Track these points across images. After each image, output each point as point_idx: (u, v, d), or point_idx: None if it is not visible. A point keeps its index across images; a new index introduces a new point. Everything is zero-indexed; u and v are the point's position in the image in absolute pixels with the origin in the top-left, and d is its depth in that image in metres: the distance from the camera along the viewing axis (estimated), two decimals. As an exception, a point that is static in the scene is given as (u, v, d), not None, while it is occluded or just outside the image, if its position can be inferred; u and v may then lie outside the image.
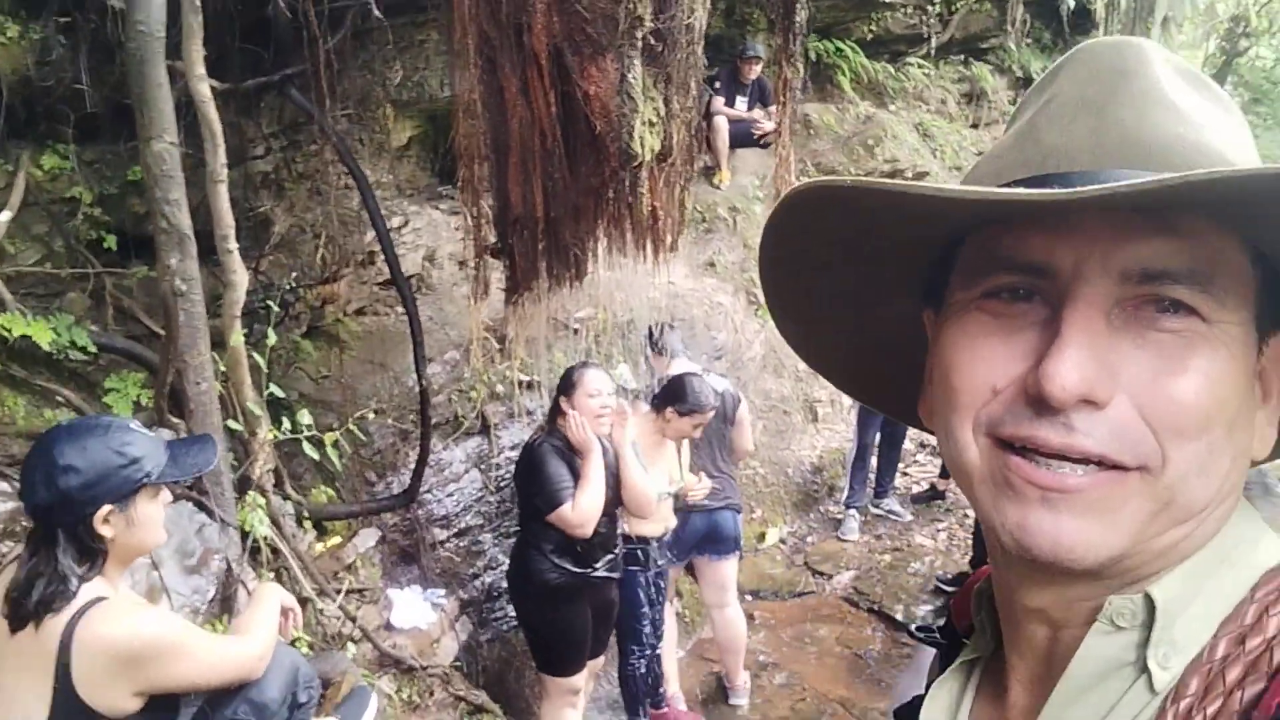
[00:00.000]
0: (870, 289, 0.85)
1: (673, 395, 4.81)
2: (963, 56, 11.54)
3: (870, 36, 10.50)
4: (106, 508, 2.30)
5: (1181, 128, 0.69)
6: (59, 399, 4.14)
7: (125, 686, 2.28)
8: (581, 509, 4.11)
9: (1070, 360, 0.64)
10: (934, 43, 10.93)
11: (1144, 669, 0.68)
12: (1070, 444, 0.66)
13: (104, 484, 2.29)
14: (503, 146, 4.59)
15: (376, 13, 4.39)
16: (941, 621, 0.96)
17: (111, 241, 4.65)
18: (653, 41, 4.56)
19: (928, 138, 10.52)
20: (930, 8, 10.59)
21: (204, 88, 3.68)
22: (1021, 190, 0.65)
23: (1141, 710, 0.68)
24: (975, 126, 11.49)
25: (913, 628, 1.06)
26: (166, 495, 2.45)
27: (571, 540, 4.20)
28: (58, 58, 4.21)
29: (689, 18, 4.69)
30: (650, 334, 6.07)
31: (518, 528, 5.41)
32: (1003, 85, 11.80)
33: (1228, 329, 0.67)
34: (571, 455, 4.23)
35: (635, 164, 4.61)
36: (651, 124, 4.67)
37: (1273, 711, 0.61)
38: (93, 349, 4.25)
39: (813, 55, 9.95)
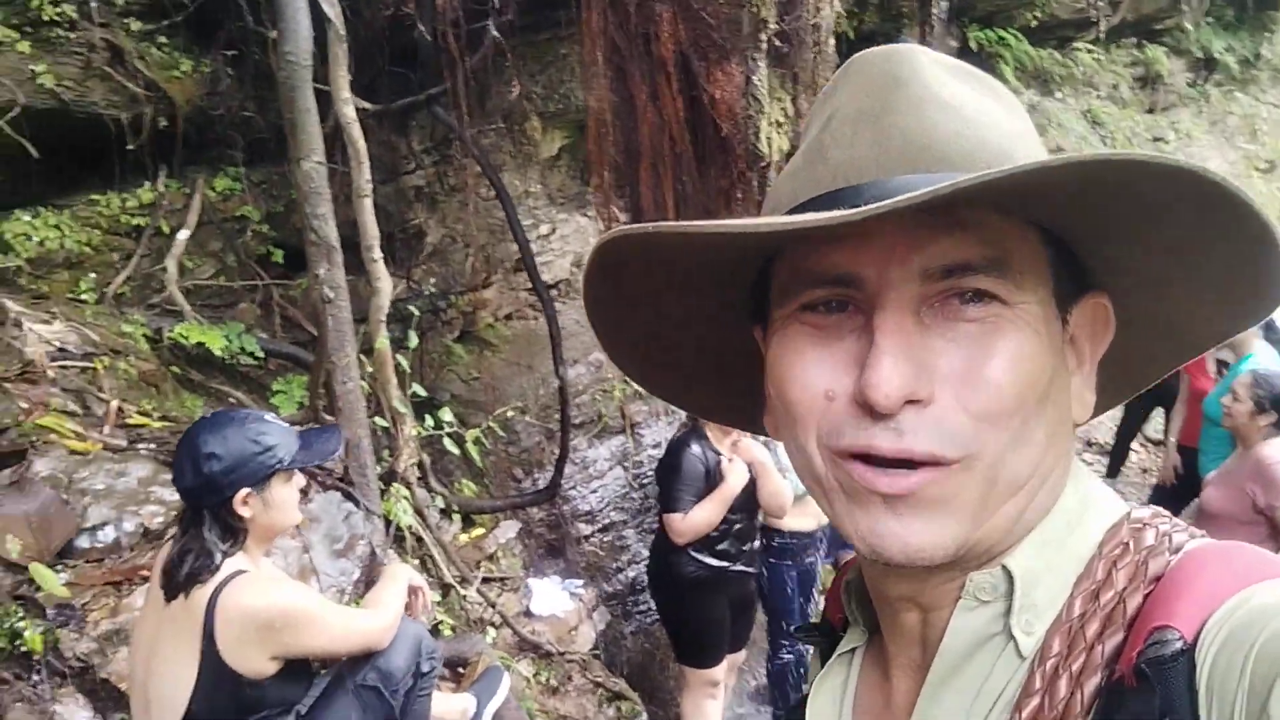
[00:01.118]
0: (698, 315, 0.87)
1: None
2: (1136, 39, 11.01)
3: (1035, 23, 10.14)
4: (245, 490, 2.55)
5: (958, 125, 0.72)
6: (232, 400, 4.53)
7: (262, 651, 2.53)
8: (691, 522, 4.16)
9: (888, 367, 0.67)
10: (1104, 26, 10.47)
11: (1010, 638, 0.71)
12: (901, 448, 0.68)
13: (242, 469, 2.55)
14: (634, 152, 4.75)
15: (510, 28, 4.59)
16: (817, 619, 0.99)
17: (278, 255, 5.04)
18: (778, 43, 4.64)
19: (1097, 125, 10.12)
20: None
21: (349, 110, 3.97)
22: (795, 218, 0.66)
23: (1012, 676, 0.70)
24: (1151, 111, 10.96)
25: (791, 628, 1.09)
26: (300, 479, 2.69)
27: (710, 535, 4.30)
28: (225, 88, 4.61)
29: (815, 17, 4.75)
30: None
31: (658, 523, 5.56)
32: (1180, 68, 11.21)
33: (1028, 308, 0.70)
34: (710, 459, 4.31)
35: (763, 165, 4.69)
36: (779, 124, 4.74)
37: (1133, 662, 0.63)
38: (260, 354, 4.62)
39: (974, 45, 9.72)
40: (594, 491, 5.72)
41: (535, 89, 6.29)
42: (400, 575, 3.00)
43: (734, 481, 4.22)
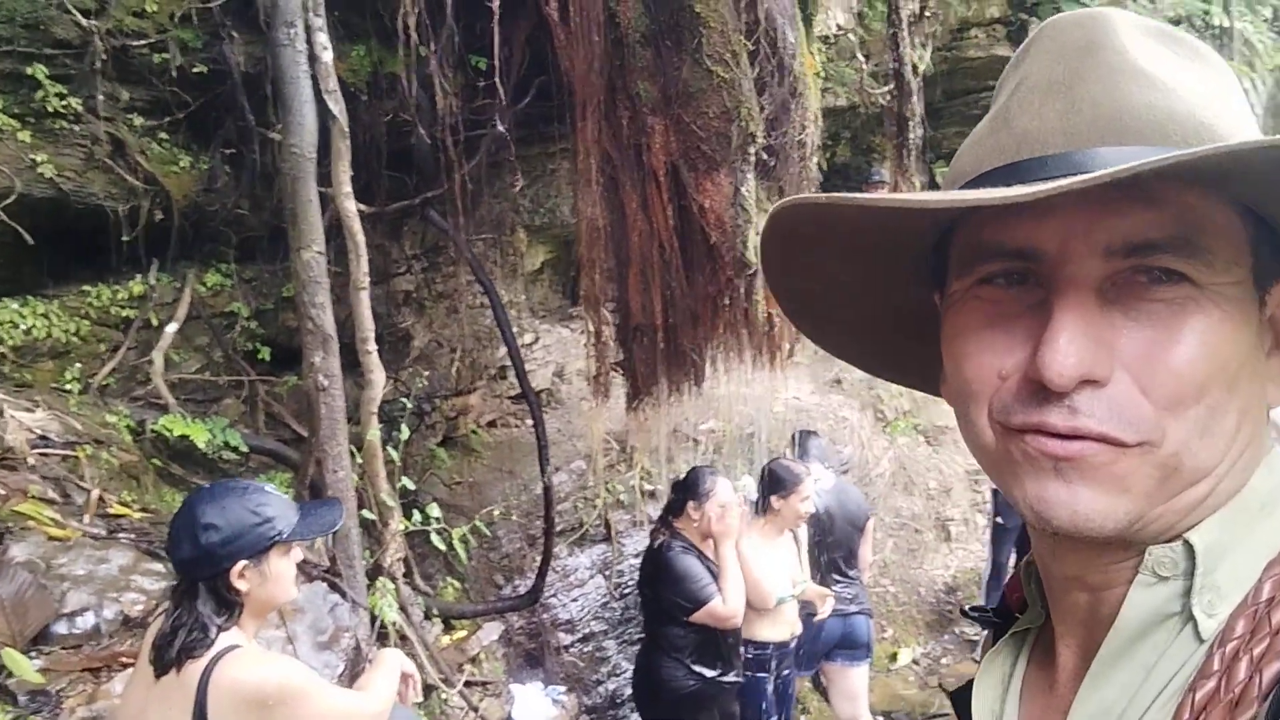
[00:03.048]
0: (880, 280, 0.86)
1: (772, 485, 4.84)
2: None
3: (998, 161, 10.56)
4: (242, 563, 2.50)
5: (1152, 95, 0.69)
6: (213, 495, 4.46)
7: (256, 729, 2.44)
8: (731, 599, 4.13)
9: (1065, 345, 0.65)
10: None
11: (1189, 618, 0.68)
12: (1075, 426, 0.67)
13: (240, 540, 2.50)
14: (624, 258, 4.84)
15: (507, 137, 4.72)
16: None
17: (265, 353, 5.04)
18: (765, 157, 4.78)
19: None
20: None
21: (350, 204, 4.04)
22: (970, 194, 0.66)
23: (1188, 659, 0.67)
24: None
25: (966, 608, 1.07)
26: (298, 553, 2.65)
27: (710, 642, 4.21)
28: (222, 185, 4.69)
29: (800, 134, 4.91)
30: (793, 439, 6.13)
31: (642, 634, 5.46)
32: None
33: (1221, 289, 0.67)
34: (701, 553, 4.28)
35: (750, 272, 4.78)
36: (766, 234, 4.85)
37: None
38: (244, 449, 4.58)
39: (940, 179, 10.07)
40: (574, 600, 5.63)
41: (523, 202, 6.43)
42: (393, 660, 2.93)
43: (729, 547, 4.19)
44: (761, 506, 4.88)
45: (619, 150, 4.73)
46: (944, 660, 7.15)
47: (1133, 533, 0.69)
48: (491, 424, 6.17)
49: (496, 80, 4.19)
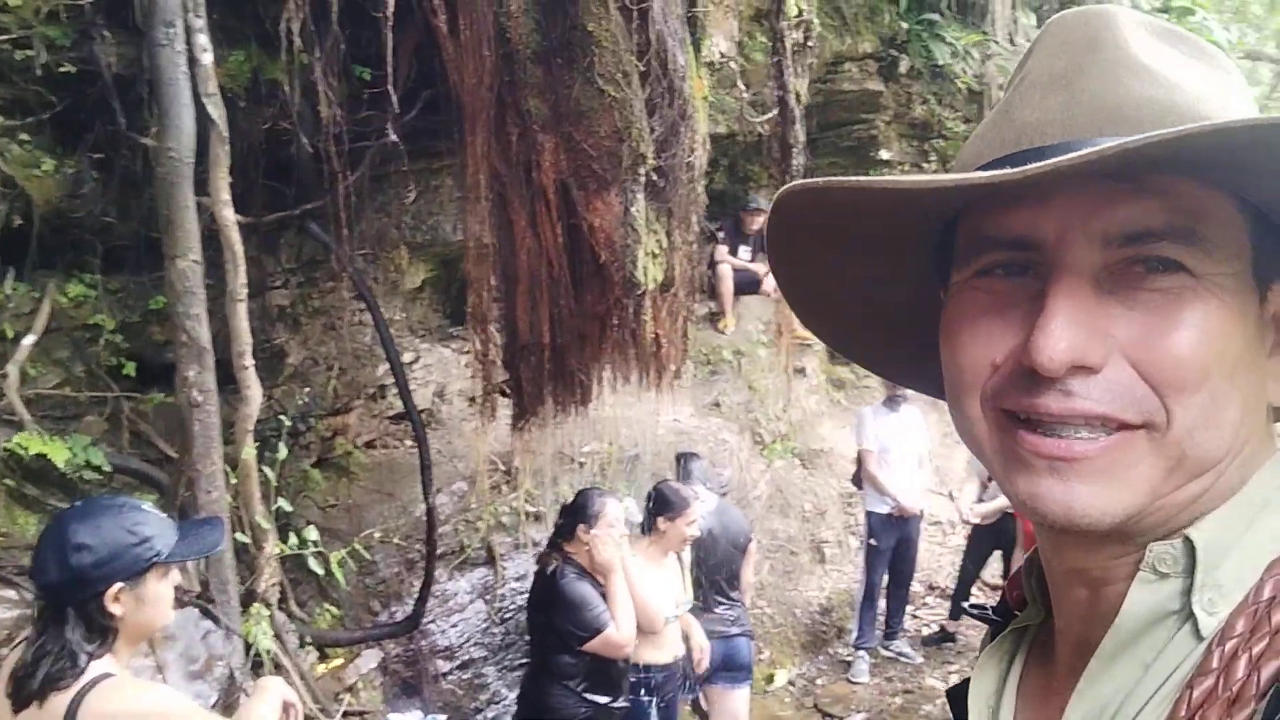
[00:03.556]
0: (885, 275, 0.87)
1: (659, 506, 4.82)
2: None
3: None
4: (117, 585, 2.34)
5: (1153, 90, 0.70)
6: (71, 518, 4.20)
7: (126, 762, 2.28)
8: (624, 627, 4.07)
9: (1056, 331, 0.66)
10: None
11: (1189, 616, 0.68)
12: (1070, 408, 0.67)
13: (116, 562, 2.34)
14: (511, 276, 4.78)
15: (397, 149, 4.61)
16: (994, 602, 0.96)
17: (130, 368, 4.79)
18: (655, 178, 4.79)
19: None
20: (927, 165, 10.99)
21: (228, 213, 3.88)
22: (958, 175, 0.67)
23: (1186, 657, 0.67)
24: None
25: (966, 605, 1.07)
26: (176, 575, 2.50)
27: (601, 669, 4.15)
28: (89, 191, 4.44)
29: (689, 156, 4.95)
30: (677, 461, 6.12)
31: (525, 660, 5.36)
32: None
33: (1218, 280, 0.67)
34: (594, 579, 4.22)
35: (639, 292, 4.78)
36: (654, 255, 4.86)
37: None
38: (107, 469, 4.33)
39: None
40: (454, 626, 5.50)
41: (405, 218, 6.31)
42: (275, 690, 2.78)
43: (619, 576, 4.14)
44: (647, 527, 4.86)
45: (508, 167, 4.68)
46: (819, 681, 7.24)
47: (1131, 525, 0.69)
48: (369, 444, 5.99)
49: (389, 88, 4.08)
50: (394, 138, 4.23)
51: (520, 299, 4.80)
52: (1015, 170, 0.64)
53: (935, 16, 10.52)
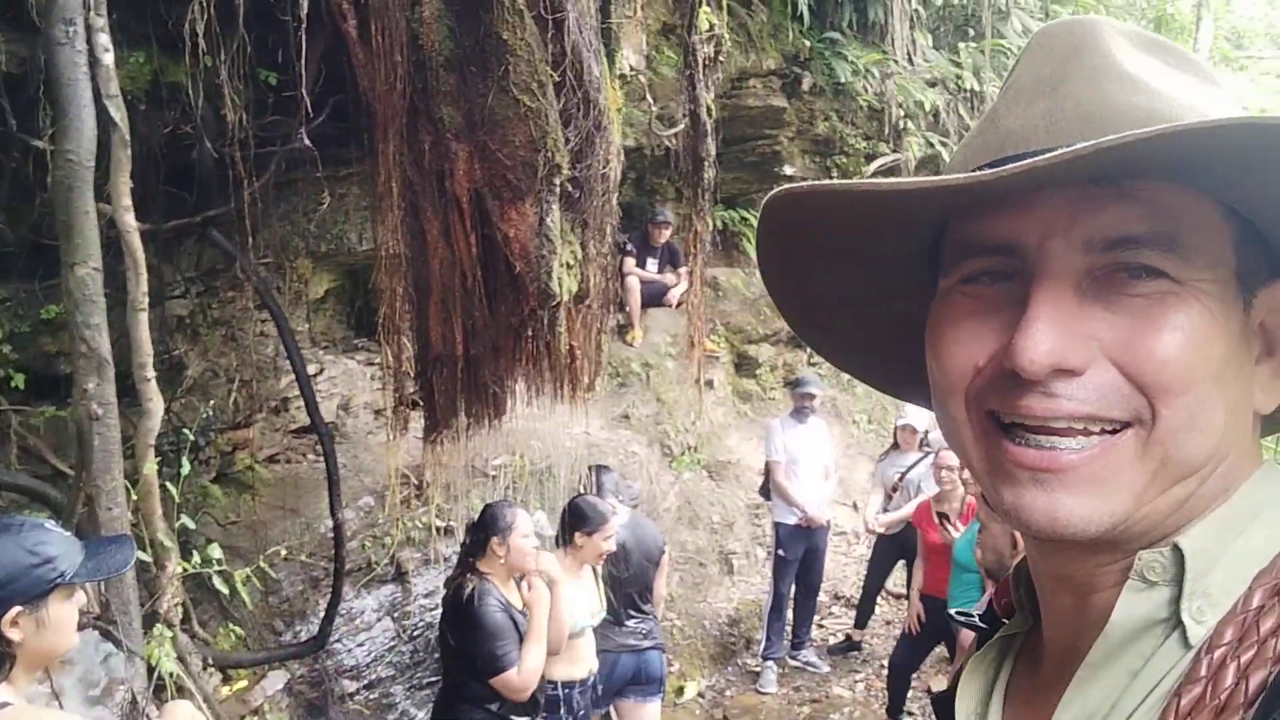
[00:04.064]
0: (880, 286, 0.87)
1: (576, 520, 4.77)
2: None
3: (774, 206, 11.00)
4: (16, 609, 2.21)
5: (1135, 97, 0.70)
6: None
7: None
8: (528, 672, 3.93)
9: (1037, 334, 0.66)
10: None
11: (1177, 624, 0.68)
12: (1053, 409, 0.67)
13: (14, 584, 2.22)
14: (423, 287, 4.70)
15: (303, 156, 4.50)
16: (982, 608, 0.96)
17: (19, 380, 4.57)
18: (570, 189, 4.76)
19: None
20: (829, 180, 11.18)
21: (129, 219, 3.73)
22: (933, 179, 0.67)
23: (1174, 666, 0.68)
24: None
25: (952, 611, 1.06)
26: (80, 597, 2.37)
27: None
28: (-25, 197, 4.23)
29: (604, 168, 4.93)
30: (590, 473, 6.07)
31: (435, 679, 5.26)
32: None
33: (1201, 286, 0.68)
34: (509, 606, 4.13)
35: (554, 304, 4.74)
36: (569, 266, 4.83)
37: None
38: (-6, 486, 4.12)
39: (719, 223, 10.39)
40: (360, 645, 5.36)
41: (309, 227, 6.16)
42: (180, 715, 2.68)
43: (542, 611, 4.06)
44: (564, 541, 4.81)
45: (421, 175, 4.61)
46: (728, 693, 7.27)
47: (1117, 533, 0.69)
48: (271, 459, 5.83)
49: (302, 92, 3.97)
50: (307, 143, 4.11)
51: (433, 310, 4.72)
52: (990, 172, 0.64)
53: (837, 35, 10.74)
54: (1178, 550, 0.69)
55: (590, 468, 6.04)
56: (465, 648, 3.97)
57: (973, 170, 0.73)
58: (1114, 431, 0.68)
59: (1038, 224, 0.69)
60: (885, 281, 0.86)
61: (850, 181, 0.71)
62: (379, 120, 4.47)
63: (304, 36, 3.90)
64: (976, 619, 0.94)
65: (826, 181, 0.72)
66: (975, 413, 0.73)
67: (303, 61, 3.92)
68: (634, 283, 8.89)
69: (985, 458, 0.73)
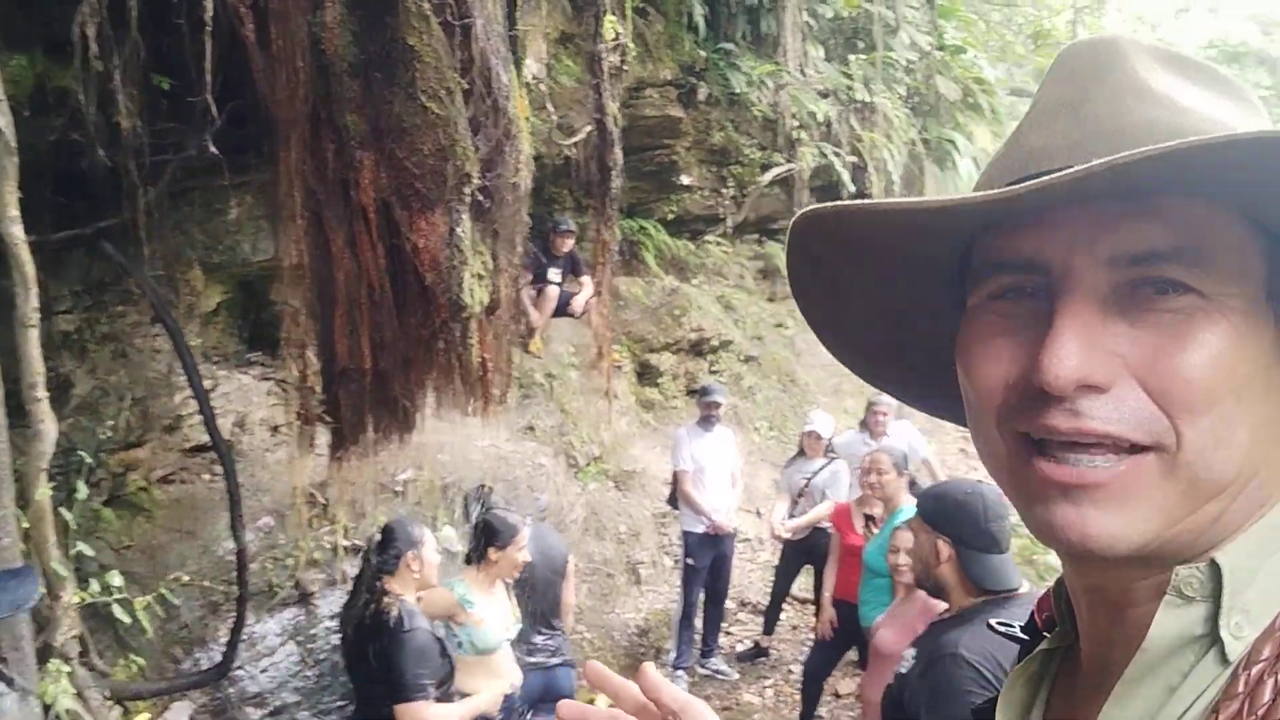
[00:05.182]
0: (907, 306, 0.87)
1: (488, 536, 4.67)
2: (757, 236, 12.30)
3: (671, 216, 11.09)
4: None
5: (1157, 112, 0.71)
6: None
7: None
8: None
9: (1063, 350, 0.66)
10: (730, 223, 11.61)
11: (1215, 640, 0.67)
12: (1079, 427, 0.67)
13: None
14: (328, 299, 4.56)
15: (199, 164, 4.33)
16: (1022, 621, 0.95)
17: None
18: (480, 198, 4.69)
19: (730, 309, 11.06)
20: (725, 191, 11.30)
21: (18, 230, 3.54)
22: (957, 196, 0.68)
23: (1211, 683, 0.67)
24: (772, 300, 12.15)
25: (993, 622, 1.06)
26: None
27: None
28: None
29: (515, 177, 4.87)
30: (468, 497, 5.97)
31: (340, 703, 5.12)
32: (794, 263, 12.58)
33: (1228, 301, 0.67)
34: (439, 639, 4.01)
35: (465, 315, 4.65)
36: (480, 277, 4.75)
37: None
38: None
39: (619, 233, 10.40)
40: (264, 671, 5.17)
41: (201, 237, 5.94)
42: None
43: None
44: (478, 557, 4.71)
45: (324, 184, 4.47)
46: (638, 703, 7.23)
47: (1150, 550, 0.69)
48: (165, 480, 5.59)
49: (208, 98, 3.82)
50: (212, 150, 3.96)
51: (339, 322, 4.58)
52: (1011, 189, 0.65)
53: (731, 46, 10.86)
54: (1215, 566, 0.69)
55: (470, 490, 5.92)
56: (390, 671, 3.83)
57: (996, 189, 0.73)
58: (1140, 451, 0.68)
59: (1062, 240, 0.69)
60: (914, 301, 0.86)
61: (876, 201, 0.72)
62: (280, 127, 4.33)
63: (208, 40, 3.72)
64: (1018, 630, 0.94)
65: (853, 201, 0.73)
66: (1008, 432, 0.73)
67: (209, 66, 3.73)
68: (554, 292, 8.75)
69: (1017, 476, 0.73)
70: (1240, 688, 0.65)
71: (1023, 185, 0.64)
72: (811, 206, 0.76)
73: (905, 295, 0.86)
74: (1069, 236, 0.68)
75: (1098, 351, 0.67)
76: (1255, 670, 0.65)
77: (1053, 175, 0.62)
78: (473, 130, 4.59)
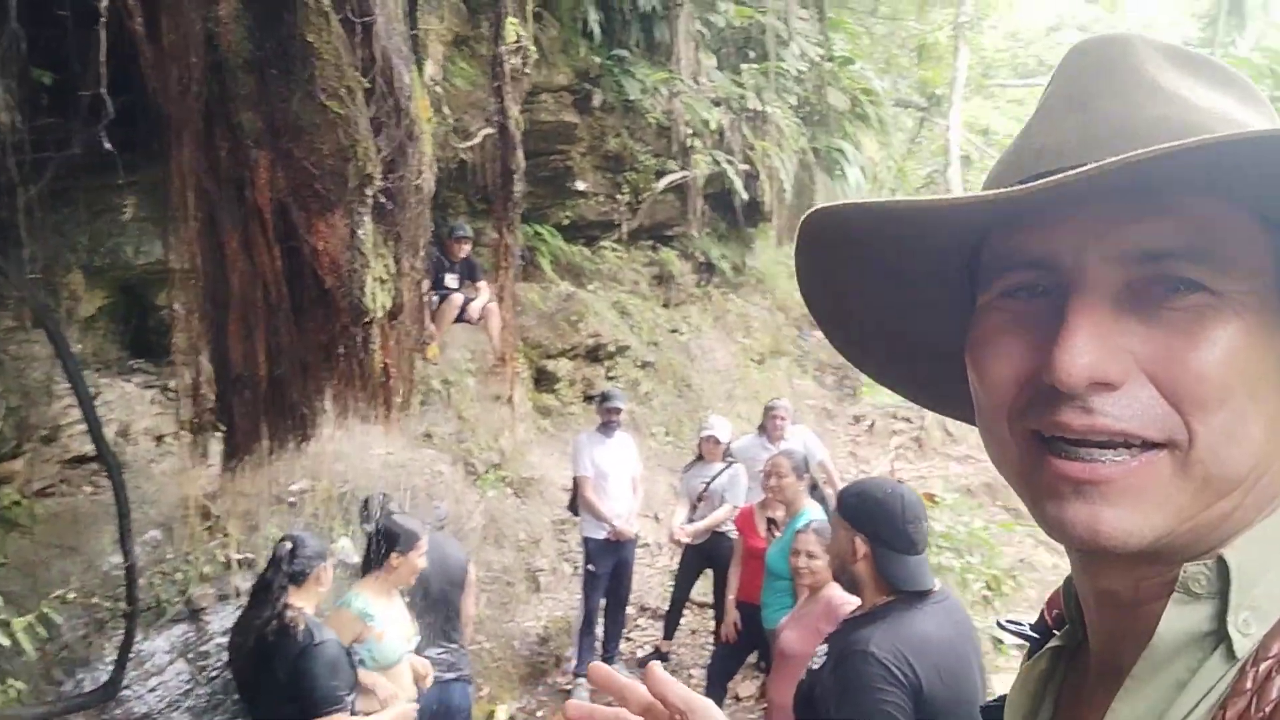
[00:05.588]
0: (916, 306, 0.87)
1: (389, 541, 4.56)
2: (652, 242, 12.35)
3: (567, 221, 11.06)
4: None
5: (1168, 109, 0.71)
6: None
7: None
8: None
9: (1075, 347, 0.66)
10: (625, 229, 11.63)
11: (1223, 637, 0.68)
12: (1091, 424, 0.67)
13: None
14: (222, 303, 4.40)
15: (81, 162, 4.13)
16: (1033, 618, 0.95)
17: None
18: (383, 200, 4.58)
19: (625, 315, 11.07)
20: (620, 197, 11.31)
21: (-114, 229, 3.31)
22: (967, 195, 0.68)
23: (1219, 680, 0.67)
24: (666, 306, 12.22)
25: (1002, 620, 1.05)
26: None
27: None
28: None
29: (417, 179, 4.78)
30: (365, 505, 5.81)
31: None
32: (688, 269, 12.70)
33: (1240, 298, 0.68)
34: (346, 649, 3.91)
35: (367, 320, 4.54)
36: (382, 281, 4.64)
37: None
38: None
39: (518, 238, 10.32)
40: (152, 690, 4.96)
41: (81, 239, 5.68)
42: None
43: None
44: (378, 563, 4.59)
45: (218, 185, 4.31)
46: (539, 713, 7.17)
47: (1161, 546, 0.69)
48: (43, 492, 5.32)
49: (103, 92, 3.64)
50: (109, 145, 3.77)
51: (233, 328, 4.42)
52: (1021, 187, 0.65)
53: (625, 53, 10.89)
54: (1222, 563, 0.69)
55: (368, 499, 5.77)
56: (297, 687, 3.69)
57: (1006, 187, 0.72)
58: (1153, 448, 0.68)
59: (1073, 238, 0.69)
60: (922, 301, 0.86)
61: (886, 199, 0.72)
62: (172, 125, 4.16)
63: (102, 31, 3.55)
64: (1027, 628, 0.94)
65: (863, 200, 0.73)
66: (1019, 430, 0.73)
67: (103, 58, 3.56)
68: (458, 299, 8.59)
69: (1028, 474, 0.73)
70: (1248, 684, 0.65)
71: (1036, 183, 0.64)
72: (821, 205, 0.75)
73: (914, 295, 0.86)
74: (1081, 234, 0.69)
75: (1110, 348, 0.66)
76: (1263, 667, 0.65)
77: (1066, 173, 0.62)
78: (374, 130, 4.49)
